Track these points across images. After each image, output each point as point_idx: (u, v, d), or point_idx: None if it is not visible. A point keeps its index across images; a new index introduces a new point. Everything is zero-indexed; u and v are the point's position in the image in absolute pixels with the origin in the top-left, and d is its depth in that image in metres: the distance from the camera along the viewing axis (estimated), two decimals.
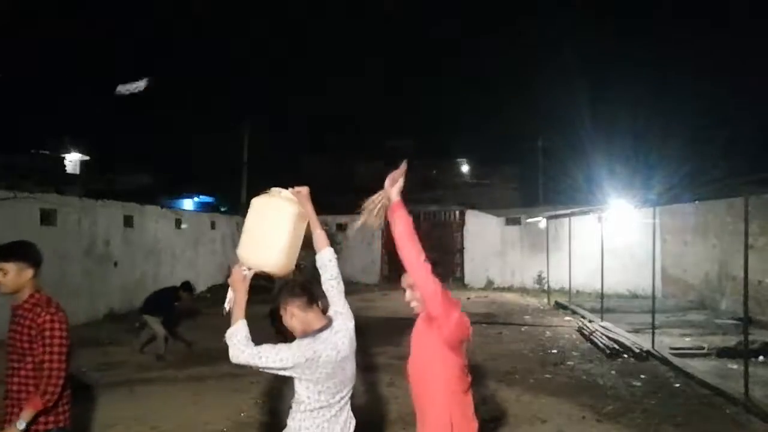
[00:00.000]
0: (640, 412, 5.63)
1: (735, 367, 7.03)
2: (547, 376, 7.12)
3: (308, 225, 2.78)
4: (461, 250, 18.14)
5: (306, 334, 2.54)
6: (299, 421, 2.53)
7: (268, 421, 5.38)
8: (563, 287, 14.21)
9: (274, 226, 2.64)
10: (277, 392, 6.35)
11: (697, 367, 7.10)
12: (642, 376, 6.99)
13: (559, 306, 13.11)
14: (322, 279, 2.74)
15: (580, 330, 10.02)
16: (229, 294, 2.65)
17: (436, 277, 2.38)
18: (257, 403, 5.93)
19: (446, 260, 18.17)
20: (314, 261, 2.80)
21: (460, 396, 2.47)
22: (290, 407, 2.60)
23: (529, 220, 16.82)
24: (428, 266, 2.33)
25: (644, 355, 7.93)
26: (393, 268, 17.63)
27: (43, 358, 2.65)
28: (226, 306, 2.65)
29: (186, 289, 8.76)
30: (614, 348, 8.29)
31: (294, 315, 2.56)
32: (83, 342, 9.11)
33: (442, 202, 20.94)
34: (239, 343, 2.45)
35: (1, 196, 9.01)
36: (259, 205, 2.74)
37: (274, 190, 2.78)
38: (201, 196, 29.90)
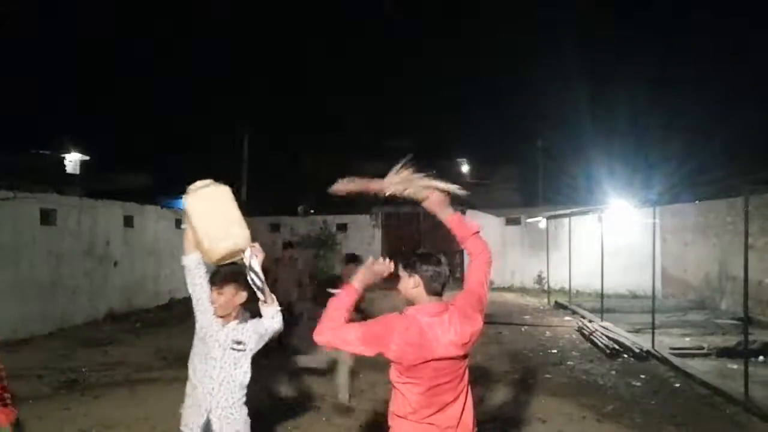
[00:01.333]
0: (640, 412, 5.63)
1: (735, 367, 7.03)
2: (547, 376, 7.12)
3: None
4: (461, 251, 18.12)
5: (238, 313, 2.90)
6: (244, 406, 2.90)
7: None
8: (563, 287, 14.21)
9: (224, 208, 2.80)
10: (277, 392, 6.35)
11: (697, 367, 7.10)
12: (642, 376, 6.99)
13: (559, 306, 13.11)
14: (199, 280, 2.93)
15: (580, 330, 10.02)
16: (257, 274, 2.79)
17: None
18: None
19: (446, 260, 18.12)
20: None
21: (411, 424, 2.27)
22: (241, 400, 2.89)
23: (529, 220, 16.83)
24: (346, 333, 2.22)
25: (644, 355, 7.93)
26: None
27: None
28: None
29: (351, 260, 8.17)
30: (614, 348, 8.29)
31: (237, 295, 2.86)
32: (83, 342, 9.12)
33: None
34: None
35: (1, 196, 9.01)
36: (194, 203, 2.81)
37: (192, 187, 2.87)
38: None
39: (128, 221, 12.52)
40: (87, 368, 7.39)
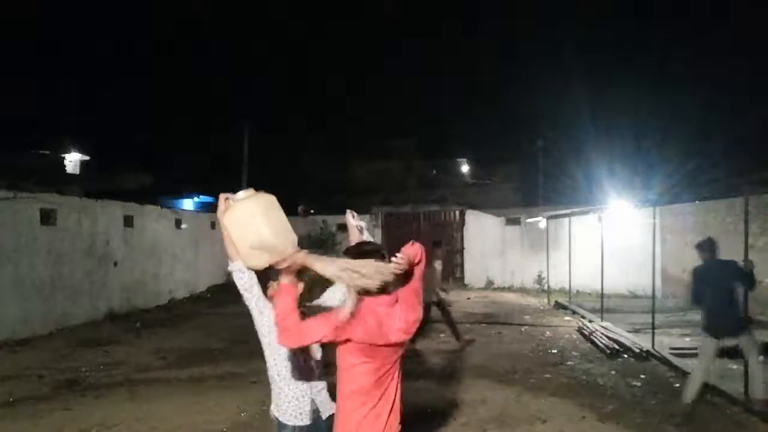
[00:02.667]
0: (640, 412, 5.63)
1: (735, 367, 7.02)
2: (547, 376, 7.12)
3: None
4: (461, 250, 18.15)
5: None
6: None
7: (268, 421, 5.38)
8: (563, 287, 14.21)
9: (258, 224, 2.72)
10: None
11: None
12: (642, 376, 6.99)
13: (559, 306, 13.11)
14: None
15: (580, 330, 10.02)
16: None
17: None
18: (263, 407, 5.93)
19: (446, 260, 18.22)
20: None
21: (346, 400, 2.46)
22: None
23: (529, 220, 16.83)
24: (316, 330, 2.33)
25: (644, 355, 7.93)
26: None
27: None
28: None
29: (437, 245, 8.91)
30: (614, 348, 8.29)
31: None
32: (83, 342, 9.12)
33: (442, 202, 20.95)
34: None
35: (1, 196, 9.02)
36: (230, 217, 2.77)
37: (234, 196, 2.82)
38: (201, 196, 29.89)
39: (128, 221, 12.51)
40: (87, 368, 7.39)
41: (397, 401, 2.49)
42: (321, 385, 2.97)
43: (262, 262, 2.70)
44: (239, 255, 2.81)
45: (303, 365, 2.92)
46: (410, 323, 2.42)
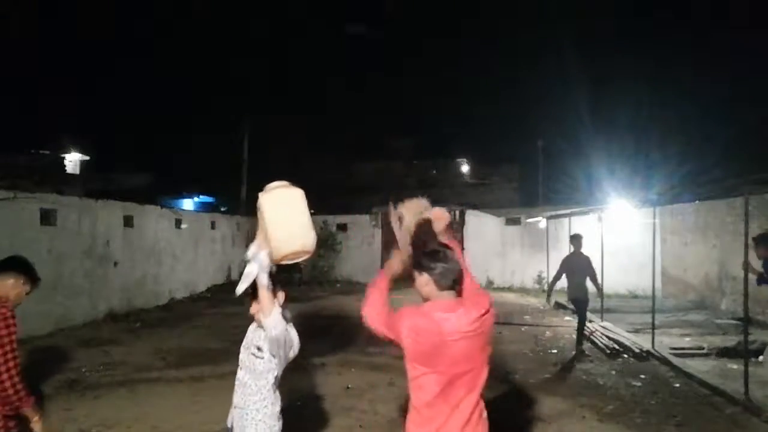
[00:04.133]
0: (640, 412, 5.63)
1: (735, 367, 7.02)
2: (547, 376, 7.12)
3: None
4: (461, 250, 18.15)
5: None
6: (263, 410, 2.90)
7: None
8: (563, 287, 14.19)
9: (299, 212, 2.82)
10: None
11: (697, 367, 7.10)
12: (642, 376, 7.00)
13: (559, 306, 13.11)
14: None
15: None
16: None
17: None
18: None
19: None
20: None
21: (414, 411, 2.32)
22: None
23: (529, 220, 16.83)
24: (381, 317, 2.37)
25: (644, 355, 7.93)
26: None
27: None
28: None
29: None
30: (614, 348, 8.29)
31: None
32: (83, 342, 9.12)
33: (442, 202, 20.93)
34: None
35: (1, 196, 9.01)
36: (272, 201, 2.81)
37: (270, 186, 2.85)
38: (201, 196, 29.89)
39: (128, 221, 12.50)
40: (87, 368, 7.39)
41: (476, 415, 2.27)
42: (234, 403, 2.90)
43: (298, 247, 2.75)
44: (270, 243, 2.72)
45: (237, 375, 2.92)
46: (475, 320, 2.25)
